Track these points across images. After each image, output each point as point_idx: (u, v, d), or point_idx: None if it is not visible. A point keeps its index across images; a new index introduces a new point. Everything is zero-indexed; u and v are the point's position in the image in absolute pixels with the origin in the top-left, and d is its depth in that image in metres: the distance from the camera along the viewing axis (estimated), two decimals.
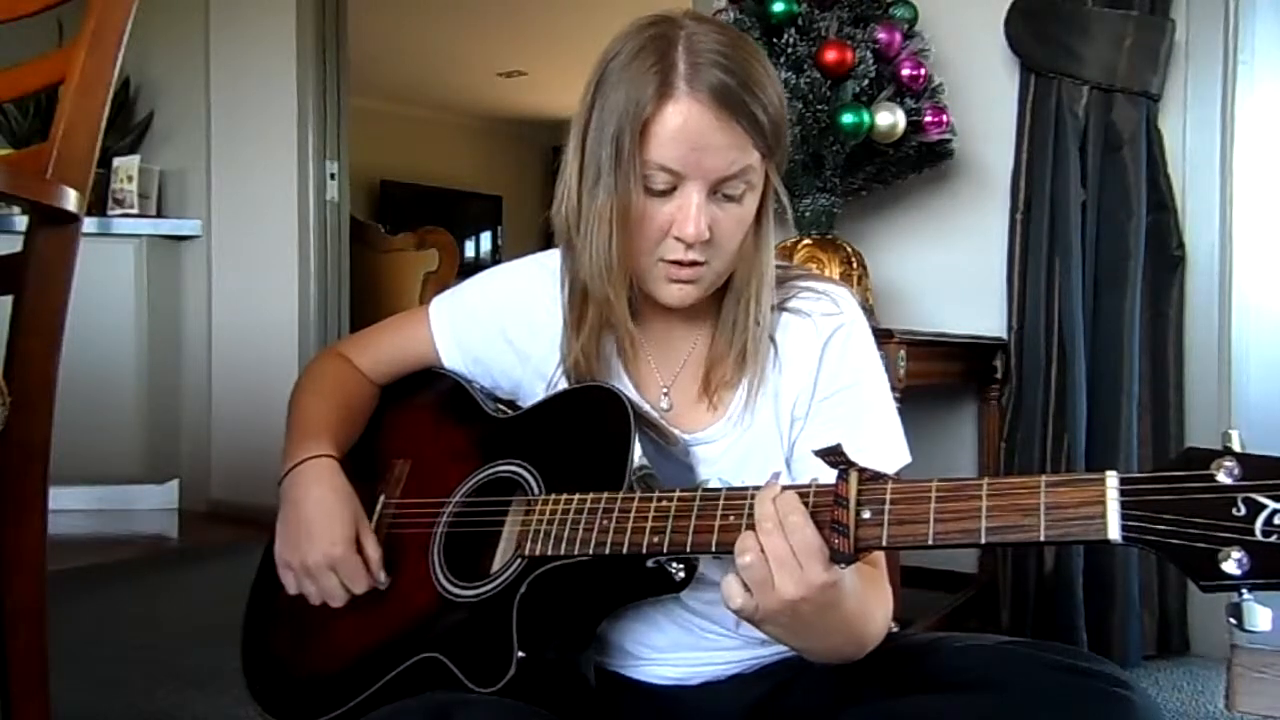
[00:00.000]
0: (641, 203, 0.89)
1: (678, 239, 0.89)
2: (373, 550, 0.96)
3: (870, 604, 0.83)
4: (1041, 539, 0.65)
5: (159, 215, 3.81)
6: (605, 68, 0.91)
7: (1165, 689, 1.85)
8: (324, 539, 0.94)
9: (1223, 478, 0.60)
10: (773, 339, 0.97)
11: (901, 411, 1.01)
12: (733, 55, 0.88)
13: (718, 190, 0.89)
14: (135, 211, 3.70)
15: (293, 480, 0.99)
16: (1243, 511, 0.59)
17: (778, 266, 1.03)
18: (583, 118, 0.92)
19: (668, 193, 0.89)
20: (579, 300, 0.97)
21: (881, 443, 0.96)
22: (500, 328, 1.06)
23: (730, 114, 0.86)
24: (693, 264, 0.91)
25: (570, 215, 0.94)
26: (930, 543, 0.69)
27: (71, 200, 1.10)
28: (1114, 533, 0.62)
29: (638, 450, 0.87)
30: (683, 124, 0.86)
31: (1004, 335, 2.17)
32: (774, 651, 0.97)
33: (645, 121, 0.87)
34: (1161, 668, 1.97)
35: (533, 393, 1.03)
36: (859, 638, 0.82)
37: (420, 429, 1.08)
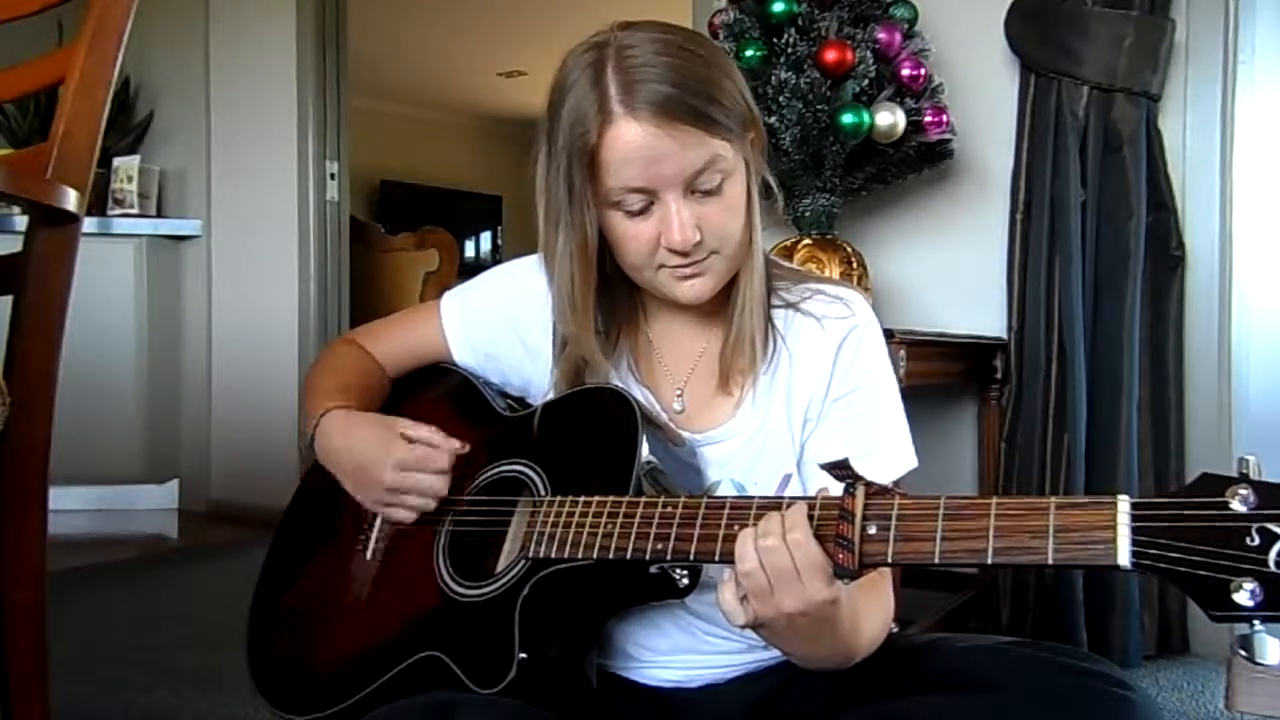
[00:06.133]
0: (619, 225, 0.90)
1: (669, 250, 0.89)
2: (421, 431, 0.95)
3: (863, 619, 0.82)
4: (1050, 562, 0.63)
5: (159, 215, 3.81)
6: (549, 105, 0.92)
7: (1165, 689, 1.85)
8: (378, 460, 0.94)
9: (1237, 505, 0.59)
10: (784, 339, 0.97)
11: None
12: (666, 61, 0.87)
13: (694, 189, 0.89)
14: (135, 211, 3.70)
15: (320, 448, 1.01)
16: (1256, 541, 0.58)
17: (792, 269, 1.03)
18: (541, 160, 0.93)
19: (647, 209, 0.89)
20: (561, 336, 0.98)
21: (889, 446, 0.96)
22: (511, 325, 1.06)
23: (673, 120, 0.85)
24: (694, 262, 0.91)
25: (544, 252, 0.96)
26: (936, 561, 0.68)
27: (71, 200, 1.10)
28: (1124, 559, 0.61)
29: (645, 450, 0.87)
30: (629, 145, 0.86)
31: (1004, 335, 2.17)
32: (775, 654, 0.96)
33: (591, 153, 0.87)
34: (1161, 668, 1.97)
35: (543, 389, 1.03)
36: (846, 652, 0.82)
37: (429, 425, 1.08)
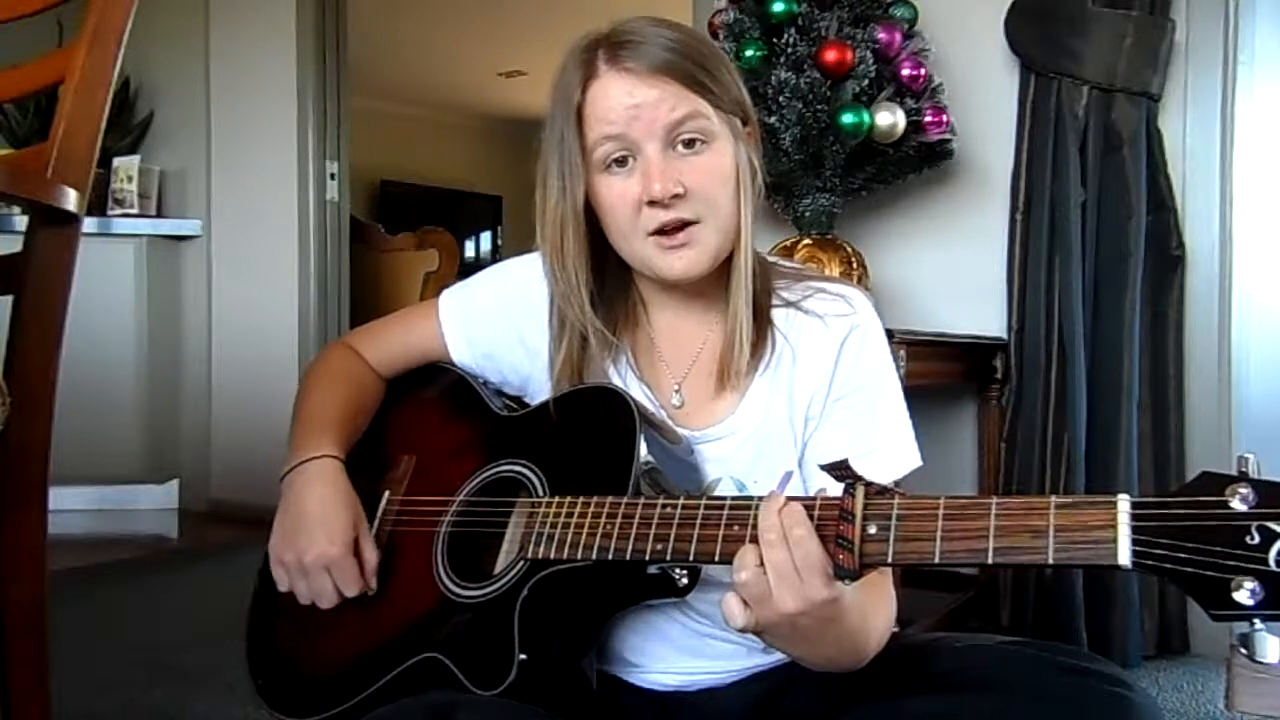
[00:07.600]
0: (605, 186, 0.92)
1: (650, 203, 0.90)
2: (370, 555, 0.96)
3: (871, 618, 0.82)
4: (1050, 562, 0.63)
5: (159, 215, 3.81)
6: (551, 100, 0.94)
7: (1165, 689, 1.85)
8: (323, 538, 0.94)
9: (1237, 504, 0.58)
10: (786, 337, 0.97)
11: None
12: (657, 31, 0.91)
13: (674, 143, 0.90)
14: (135, 211, 3.70)
15: (295, 477, 0.99)
16: (1256, 540, 0.57)
17: (793, 268, 1.03)
18: (543, 145, 0.95)
19: (627, 166, 0.91)
20: (558, 314, 0.99)
21: (893, 444, 0.96)
22: (511, 322, 1.06)
23: (657, 74, 0.89)
24: (679, 226, 0.90)
25: (539, 233, 0.96)
26: (936, 561, 0.67)
27: (71, 200, 1.10)
28: (1124, 558, 0.61)
29: (643, 450, 0.87)
30: (610, 95, 0.90)
31: (1004, 335, 2.17)
32: (775, 659, 0.96)
33: (578, 109, 0.91)
34: (1161, 668, 1.97)
35: (541, 388, 1.03)
36: (858, 650, 0.82)
37: (426, 425, 1.08)
